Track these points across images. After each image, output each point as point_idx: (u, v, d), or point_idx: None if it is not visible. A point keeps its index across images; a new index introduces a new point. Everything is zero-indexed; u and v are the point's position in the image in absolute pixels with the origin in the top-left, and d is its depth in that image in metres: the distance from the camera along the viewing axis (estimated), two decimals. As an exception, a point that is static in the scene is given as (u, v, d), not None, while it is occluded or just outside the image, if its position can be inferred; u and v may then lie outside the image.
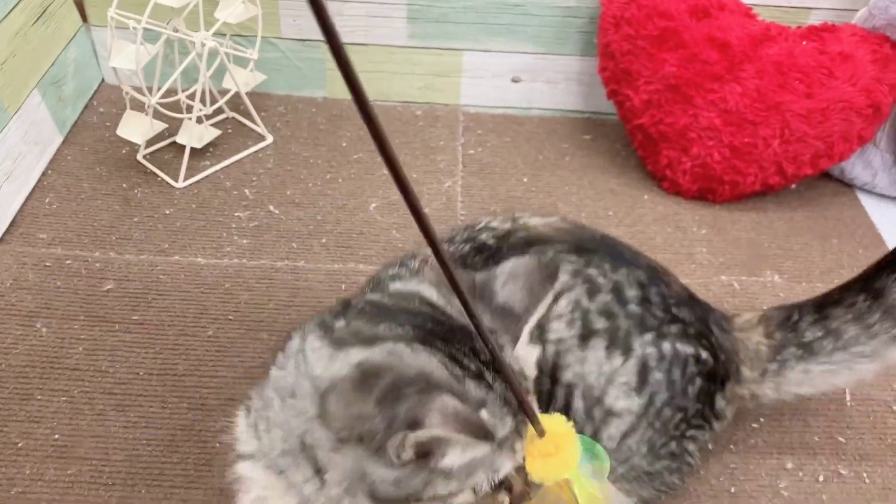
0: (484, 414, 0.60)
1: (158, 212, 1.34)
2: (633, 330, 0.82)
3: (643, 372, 0.81)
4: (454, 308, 0.67)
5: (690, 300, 0.90)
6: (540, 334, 0.80)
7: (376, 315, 0.66)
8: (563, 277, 0.81)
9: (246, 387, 1.05)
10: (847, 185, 1.50)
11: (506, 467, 0.63)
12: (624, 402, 0.81)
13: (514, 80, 1.61)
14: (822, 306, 0.93)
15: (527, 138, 1.58)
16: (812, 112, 1.31)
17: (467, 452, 0.59)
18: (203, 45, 1.31)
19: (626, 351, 0.81)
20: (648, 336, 0.82)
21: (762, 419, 1.08)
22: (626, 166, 1.52)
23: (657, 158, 1.43)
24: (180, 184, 1.39)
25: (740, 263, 1.32)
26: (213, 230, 1.31)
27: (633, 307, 0.82)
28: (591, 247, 0.86)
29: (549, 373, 0.81)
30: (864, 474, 1.03)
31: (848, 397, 1.11)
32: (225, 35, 1.43)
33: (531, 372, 0.68)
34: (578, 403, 0.81)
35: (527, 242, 0.86)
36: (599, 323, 0.81)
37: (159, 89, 1.32)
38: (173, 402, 1.05)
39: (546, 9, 1.52)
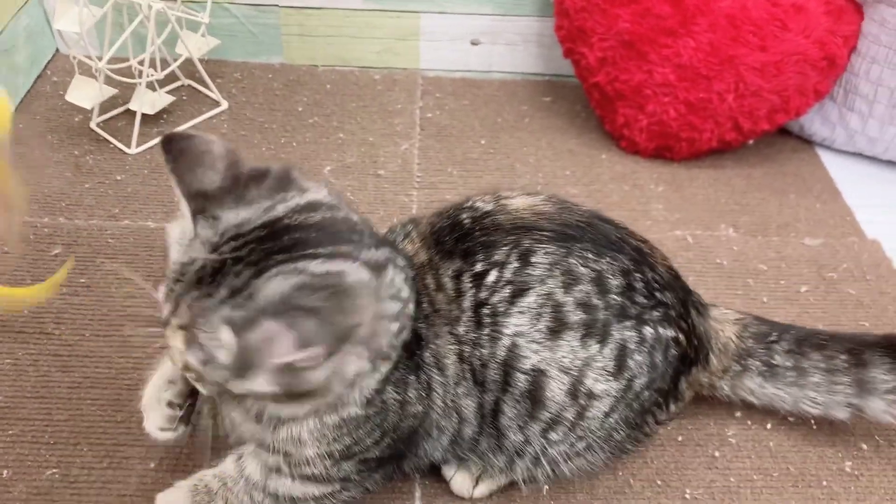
0: None
1: (110, 178, 1.33)
2: (612, 319, 0.79)
3: (621, 357, 0.79)
4: None
5: (675, 281, 0.88)
6: (493, 326, 0.77)
7: None
8: (537, 271, 0.78)
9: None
10: (806, 142, 1.50)
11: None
12: (603, 385, 0.79)
13: (474, 43, 1.60)
14: (803, 343, 0.93)
15: (486, 101, 1.57)
16: (766, 65, 1.30)
17: None
18: (150, 7, 1.29)
19: (604, 338, 0.78)
20: (629, 322, 0.80)
21: (712, 369, 1.07)
22: (585, 127, 1.51)
23: (614, 117, 1.42)
24: (132, 150, 1.37)
25: (696, 219, 1.31)
26: (164, 195, 1.30)
27: (615, 297, 0.79)
28: (575, 234, 0.81)
29: (503, 361, 0.78)
30: (812, 420, 1.02)
31: (798, 346, 1.11)
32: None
33: None
34: (555, 385, 0.78)
35: (500, 227, 0.81)
36: (575, 316, 0.77)
37: (111, 50, 1.30)
38: (119, 363, 1.04)
39: (503, -33, 1.51)
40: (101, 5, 1.29)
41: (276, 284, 0.63)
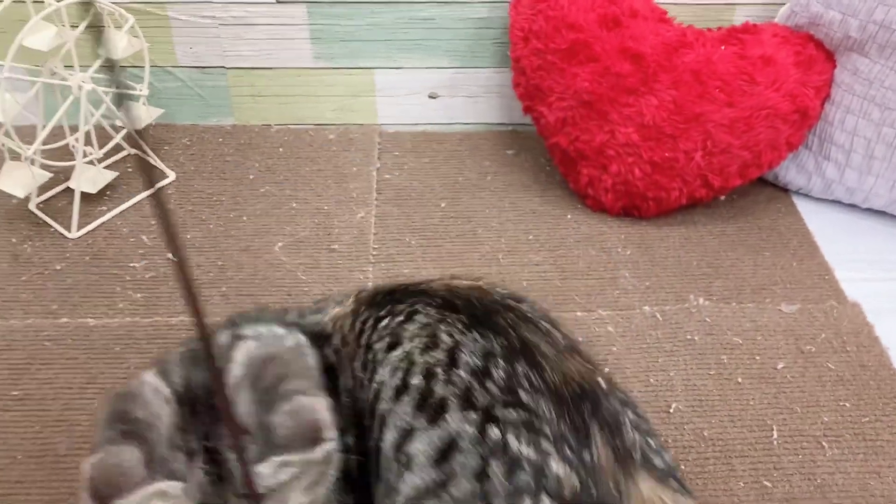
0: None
1: (49, 267, 1.26)
2: (451, 399, 0.72)
3: (447, 449, 0.70)
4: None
5: (570, 395, 0.74)
6: (371, 375, 0.79)
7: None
8: (411, 329, 0.79)
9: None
10: (783, 190, 1.43)
11: None
12: (422, 459, 0.72)
13: (432, 97, 1.53)
14: None
15: (446, 158, 1.50)
16: (735, 122, 1.24)
17: None
18: (80, 88, 1.22)
19: (436, 419, 0.72)
20: (473, 414, 0.71)
21: (684, 466, 1.01)
22: (549, 183, 1.44)
23: (577, 177, 1.36)
24: (73, 234, 1.30)
25: (667, 286, 1.25)
26: (105, 285, 1.23)
27: (462, 374, 0.74)
28: (458, 304, 0.81)
29: (370, 408, 0.78)
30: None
31: (775, 434, 1.05)
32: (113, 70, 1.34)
33: None
34: (389, 435, 0.74)
35: (413, 291, 0.84)
36: (416, 379, 0.75)
37: (40, 137, 1.24)
38: (54, 487, 0.97)
39: (458, 21, 1.43)
40: (32, 87, 1.23)
41: None
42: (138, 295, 1.22)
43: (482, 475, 0.69)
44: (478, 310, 0.81)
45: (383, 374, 0.77)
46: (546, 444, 0.70)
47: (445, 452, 0.71)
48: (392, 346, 0.79)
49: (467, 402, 0.72)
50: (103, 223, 1.34)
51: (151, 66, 1.38)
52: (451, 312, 0.80)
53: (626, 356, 1.13)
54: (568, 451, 0.70)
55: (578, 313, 1.19)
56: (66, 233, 1.31)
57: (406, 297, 0.84)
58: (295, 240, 1.32)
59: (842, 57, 1.27)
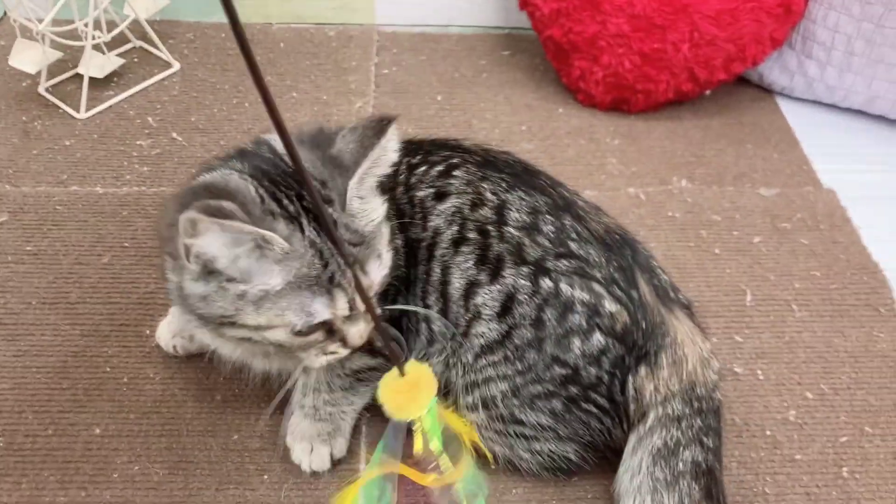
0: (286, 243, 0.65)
1: (58, 143, 1.31)
2: (506, 256, 0.80)
3: (508, 302, 0.79)
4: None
5: (613, 243, 0.82)
6: (423, 217, 0.83)
7: (234, 155, 0.76)
8: (457, 182, 0.84)
9: (140, 313, 1.06)
10: (766, 91, 1.48)
11: (321, 314, 0.67)
12: (488, 312, 0.80)
13: (430, -4, 1.57)
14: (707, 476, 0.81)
15: (443, 56, 1.55)
16: (721, 13, 1.28)
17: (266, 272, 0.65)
18: (90, -34, 1.26)
19: (495, 274, 0.80)
20: (525, 269, 0.79)
21: (661, 322, 1.07)
22: (543, 81, 1.49)
23: (570, 70, 1.40)
24: (82, 115, 1.35)
25: (651, 172, 1.30)
26: (113, 159, 1.28)
27: (512, 230, 0.81)
28: (496, 163, 0.86)
29: (427, 248, 0.83)
30: (759, 371, 1.03)
31: (748, 297, 1.11)
32: (122, -42, 1.38)
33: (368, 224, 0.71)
34: (457, 283, 0.81)
35: (439, 145, 0.89)
36: (472, 234, 0.82)
37: (52, 11, 1.27)
38: (65, 330, 1.03)
39: (456, -82, 1.47)
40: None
41: None
42: (145, 168, 1.27)
43: (538, 322, 0.79)
44: (517, 169, 0.86)
45: (438, 222, 0.82)
46: (598, 287, 0.79)
47: (506, 305, 0.80)
48: (440, 197, 0.83)
49: (519, 257, 0.79)
50: (111, 106, 1.38)
51: (157, -42, 1.41)
52: (492, 172, 0.84)
53: (611, 229, 1.19)
54: (618, 291, 0.80)
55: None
56: (74, 113, 1.35)
57: (437, 149, 0.88)
58: (295, 125, 1.35)
59: (826, -47, 1.31)
